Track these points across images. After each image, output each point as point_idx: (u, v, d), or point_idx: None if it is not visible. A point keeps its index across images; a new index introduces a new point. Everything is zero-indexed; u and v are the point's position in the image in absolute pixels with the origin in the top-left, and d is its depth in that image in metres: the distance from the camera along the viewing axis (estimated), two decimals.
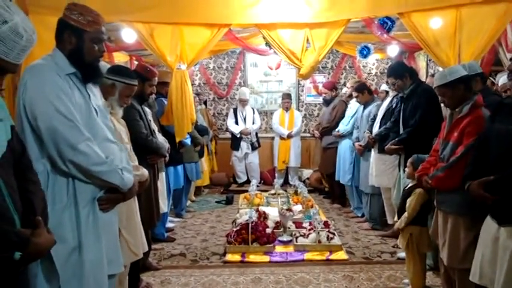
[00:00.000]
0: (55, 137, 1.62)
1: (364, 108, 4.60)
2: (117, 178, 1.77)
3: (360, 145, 4.47)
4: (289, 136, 6.39)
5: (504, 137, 1.88)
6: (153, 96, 3.91)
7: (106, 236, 1.80)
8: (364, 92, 4.57)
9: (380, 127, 3.98)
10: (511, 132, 1.85)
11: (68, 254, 1.66)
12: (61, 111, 1.63)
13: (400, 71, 3.47)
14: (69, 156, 1.64)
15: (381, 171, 3.93)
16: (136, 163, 2.39)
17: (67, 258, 1.65)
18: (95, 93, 1.91)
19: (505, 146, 1.87)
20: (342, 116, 5.19)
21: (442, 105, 3.22)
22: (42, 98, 1.62)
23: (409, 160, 2.94)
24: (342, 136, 4.96)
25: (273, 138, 6.77)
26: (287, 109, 6.48)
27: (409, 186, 2.93)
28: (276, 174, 6.61)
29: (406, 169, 2.96)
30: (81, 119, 1.70)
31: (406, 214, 2.79)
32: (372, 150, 4.12)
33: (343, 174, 4.87)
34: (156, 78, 3.28)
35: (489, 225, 1.93)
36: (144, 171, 2.12)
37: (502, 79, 3.20)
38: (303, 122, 7.02)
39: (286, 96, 6.53)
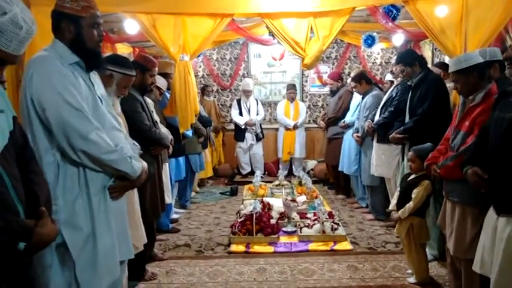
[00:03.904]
0: (65, 128, 1.63)
1: (363, 98, 4.58)
2: (128, 166, 1.78)
3: (358, 136, 4.47)
4: (295, 127, 6.36)
5: (500, 125, 1.88)
6: (158, 92, 3.91)
7: (116, 223, 1.83)
8: (362, 81, 4.54)
9: (380, 116, 3.98)
10: (507, 119, 1.85)
11: (83, 242, 1.69)
12: (69, 102, 1.63)
13: (410, 59, 3.43)
14: (80, 146, 1.65)
15: (381, 160, 3.93)
16: None
17: (82, 246, 1.68)
18: (98, 82, 1.90)
19: (500, 133, 1.87)
20: (348, 106, 5.17)
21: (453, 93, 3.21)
22: (50, 89, 1.62)
23: (411, 154, 2.90)
24: (348, 126, 4.94)
25: (277, 129, 6.74)
26: (292, 100, 6.44)
27: (411, 178, 2.92)
28: (280, 166, 6.61)
29: (410, 163, 2.93)
30: (88, 108, 1.70)
31: (411, 204, 2.79)
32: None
33: (348, 165, 4.85)
34: (157, 68, 3.25)
35: (490, 216, 1.95)
36: (143, 163, 2.11)
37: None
38: (307, 112, 6.99)
39: (291, 87, 6.49)
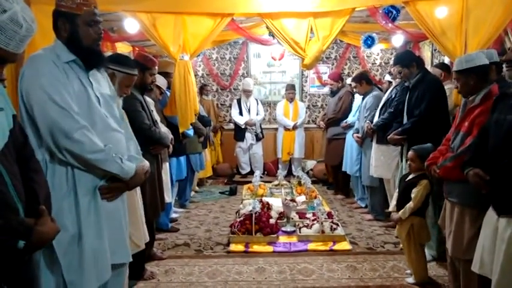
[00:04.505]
0: (50, 126, 1.63)
1: (363, 99, 4.58)
2: (115, 166, 1.76)
3: (358, 136, 4.47)
4: (294, 127, 6.37)
5: (501, 127, 1.88)
6: (159, 91, 3.91)
7: (110, 225, 1.80)
8: (362, 82, 4.54)
9: (379, 117, 3.98)
10: (507, 121, 1.85)
11: (68, 242, 1.67)
12: (55, 100, 1.63)
13: (407, 60, 3.43)
14: (65, 145, 1.64)
15: (380, 161, 3.93)
16: None
17: (67, 247, 1.67)
18: (100, 82, 1.88)
19: (501, 135, 1.87)
20: (348, 107, 5.17)
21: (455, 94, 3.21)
22: (37, 87, 1.63)
23: (412, 154, 2.90)
24: (350, 127, 4.94)
25: (276, 129, 6.75)
26: (291, 100, 6.45)
27: (410, 177, 2.92)
28: (280, 166, 6.62)
29: (410, 163, 2.93)
30: (79, 107, 1.69)
31: (411, 204, 2.79)
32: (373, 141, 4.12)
33: (350, 165, 4.85)
34: (157, 67, 3.24)
35: (490, 216, 1.95)
36: (145, 163, 2.12)
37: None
38: (306, 112, 6.99)
39: (291, 87, 6.49)
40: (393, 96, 3.92)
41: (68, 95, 1.66)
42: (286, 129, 6.42)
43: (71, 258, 1.67)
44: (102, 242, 1.75)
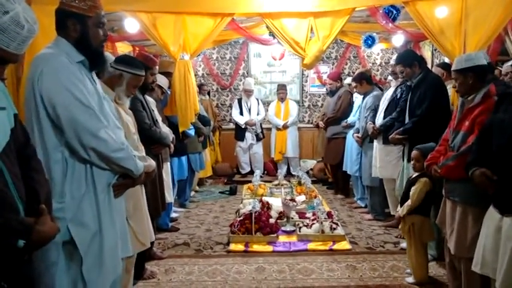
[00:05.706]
0: (75, 125, 1.63)
1: (363, 98, 4.57)
2: (133, 164, 1.81)
3: (358, 136, 4.46)
4: (285, 126, 6.40)
5: (508, 126, 1.88)
6: (160, 91, 3.92)
7: (118, 220, 1.85)
8: (363, 82, 4.53)
9: (384, 118, 3.94)
10: None
11: (91, 239, 1.70)
12: (79, 99, 1.64)
13: (409, 59, 3.43)
14: (91, 144, 1.65)
15: (385, 162, 3.91)
16: (144, 153, 2.40)
17: (90, 243, 1.69)
18: (98, 82, 1.91)
19: (506, 135, 1.87)
20: (348, 106, 5.17)
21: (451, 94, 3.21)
22: (60, 86, 1.63)
23: (416, 153, 2.89)
24: (350, 126, 4.93)
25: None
26: (282, 100, 6.48)
27: (413, 176, 2.92)
28: (277, 165, 6.62)
29: (414, 162, 2.92)
30: (95, 106, 1.71)
31: (409, 202, 2.80)
32: (375, 141, 4.10)
33: (350, 165, 4.85)
34: (157, 67, 3.25)
35: (492, 215, 1.94)
36: (152, 162, 2.15)
37: (505, 66, 3.19)
38: (306, 112, 6.98)
39: (282, 87, 6.53)
40: (399, 95, 3.89)
41: (88, 94, 1.69)
42: (277, 128, 6.46)
43: (92, 255, 1.70)
44: (116, 237, 1.80)
